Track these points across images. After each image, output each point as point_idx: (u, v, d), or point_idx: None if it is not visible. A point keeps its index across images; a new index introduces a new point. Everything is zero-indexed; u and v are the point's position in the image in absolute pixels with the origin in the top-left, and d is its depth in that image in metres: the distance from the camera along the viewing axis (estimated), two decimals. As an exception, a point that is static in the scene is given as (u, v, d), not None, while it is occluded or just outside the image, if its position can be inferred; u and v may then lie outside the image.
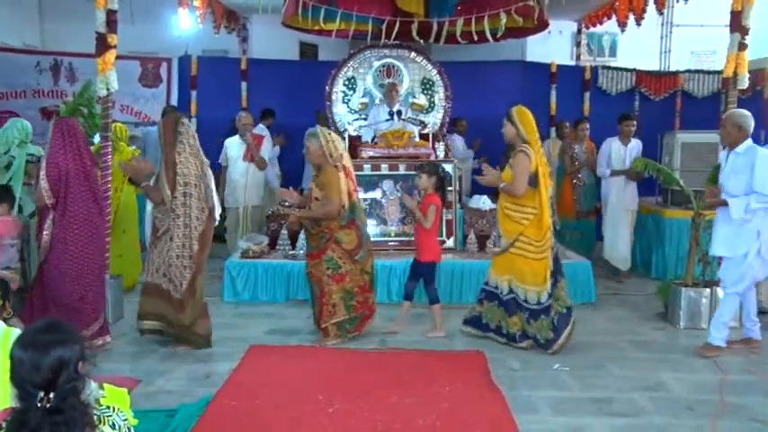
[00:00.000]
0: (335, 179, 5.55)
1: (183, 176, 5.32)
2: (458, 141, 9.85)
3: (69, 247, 5.19)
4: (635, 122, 8.31)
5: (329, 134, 5.79)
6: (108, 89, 6.26)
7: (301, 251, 7.24)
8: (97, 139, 6.63)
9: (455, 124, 9.92)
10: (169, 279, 5.37)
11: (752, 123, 5.55)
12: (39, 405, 2.13)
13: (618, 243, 8.08)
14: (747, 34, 6.33)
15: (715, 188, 5.78)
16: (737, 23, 6.34)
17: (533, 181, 5.50)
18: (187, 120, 5.59)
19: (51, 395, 2.14)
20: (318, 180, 5.65)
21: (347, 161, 5.78)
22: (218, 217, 5.70)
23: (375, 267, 6.03)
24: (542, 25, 9.67)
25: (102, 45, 6.19)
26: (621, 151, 8.14)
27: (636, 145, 8.19)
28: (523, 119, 5.65)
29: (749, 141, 5.51)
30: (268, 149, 8.78)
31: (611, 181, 8.13)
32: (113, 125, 7.62)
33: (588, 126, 8.81)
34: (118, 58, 6.36)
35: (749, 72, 6.46)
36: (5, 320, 3.82)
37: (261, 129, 9.23)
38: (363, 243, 5.74)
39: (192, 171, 5.38)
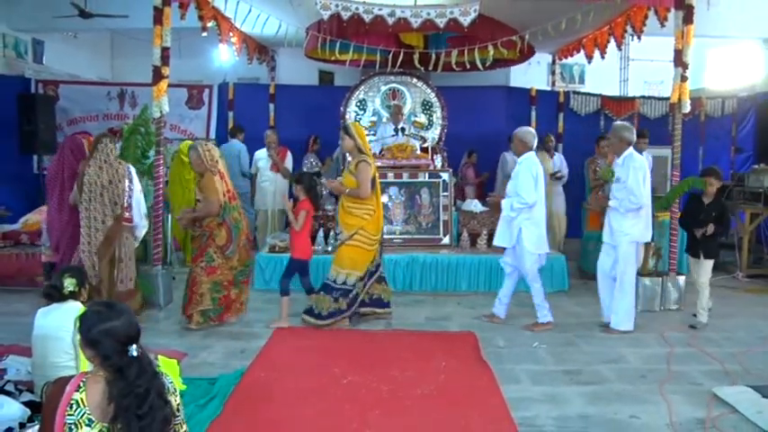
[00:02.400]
0: (212, 183, 5.38)
1: (88, 184, 5.22)
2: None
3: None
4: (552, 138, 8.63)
5: (206, 145, 5.59)
6: (161, 112, 6.31)
7: (319, 247, 7.27)
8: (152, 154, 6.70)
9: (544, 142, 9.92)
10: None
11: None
12: (135, 355, 2.21)
13: None
14: (687, 68, 6.38)
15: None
16: (680, 59, 6.39)
17: (372, 184, 5.56)
18: (108, 139, 5.45)
19: (140, 345, 2.25)
20: (200, 185, 5.52)
21: (222, 167, 5.56)
22: (142, 225, 5.62)
23: (250, 266, 5.82)
24: (527, 56, 9.68)
25: (157, 76, 6.25)
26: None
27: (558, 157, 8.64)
28: (359, 132, 5.65)
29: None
30: (290, 161, 8.80)
31: None
32: (181, 143, 7.81)
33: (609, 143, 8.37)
34: (169, 86, 6.41)
35: (690, 99, 6.49)
36: (83, 303, 3.85)
37: (233, 143, 9.18)
38: (233, 239, 5.51)
39: (98, 180, 5.23)
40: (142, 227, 5.69)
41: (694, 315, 5.86)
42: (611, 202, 5.62)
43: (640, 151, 7.85)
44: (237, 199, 5.68)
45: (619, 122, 5.83)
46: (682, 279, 6.45)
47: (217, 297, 5.52)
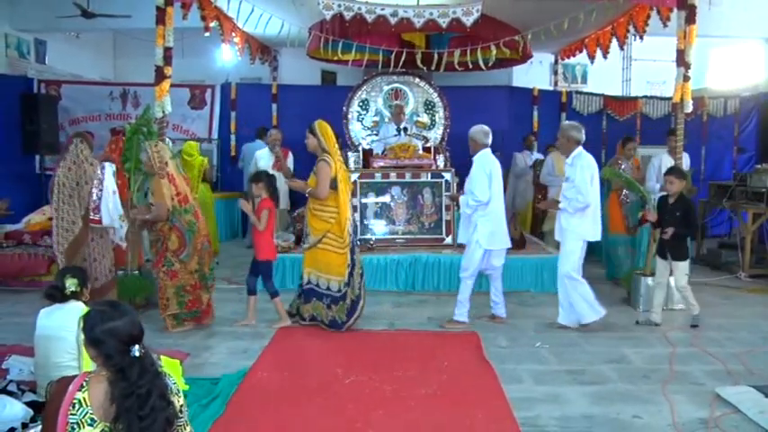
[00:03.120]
0: (159, 187, 5.30)
1: (58, 186, 5.23)
2: (527, 156, 9.89)
3: None
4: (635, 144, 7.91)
5: (156, 146, 5.45)
6: (163, 112, 6.32)
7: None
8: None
9: (526, 140, 10.03)
10: None
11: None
12: (138, 355, 2.21)
13: None
14: (690, 68, 6.36)
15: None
16: (682, 59, 6.38)
17: (334, 185, 5.38)
18: (79, 139, 5.38)
19: (142, 346, 2.25)
20: (150, 188, 5.51)
21: (172, 168, 5.44)
22: (117, 226, 5.48)
23: (212, 268, 5.68)
24: (526, 57, 9.68)
25: (160, 76, 6.25)
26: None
27: None
28: (324, 132, 5.49)
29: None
30: (292, 161, 8.79)
31: None
32: (185, 143, 7.82)
33: (635, 145, 7.84)
34: (172, 86, 6.41)
35: (692, 99, 6.48)
36: (85, 303, 3.85)
37: (259, 144, 9.29)
38: (187, 243, 5.39)
39: (66, 182, 5.23)
40: (118, 228, 5.53)
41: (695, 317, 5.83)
42: (561, 204, 5.64)
43: (630, 155, 7.80)
44: (192, 201, 5.53)
45: (567, 122, 5.85)
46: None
47: (183, 301, 5.45)
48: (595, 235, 5.65)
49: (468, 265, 5.70)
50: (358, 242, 7.38)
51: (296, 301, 5.77)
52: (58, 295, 3.79)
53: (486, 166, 5.63)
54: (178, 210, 5.38)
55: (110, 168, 5.50)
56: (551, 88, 12.20)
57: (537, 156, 9.58)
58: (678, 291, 5.88)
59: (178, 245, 5.40)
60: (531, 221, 9.43)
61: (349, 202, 5.53)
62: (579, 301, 5.59)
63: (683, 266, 5.76)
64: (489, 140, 5.77)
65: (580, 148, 5.60)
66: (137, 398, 2.15)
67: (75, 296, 3.81)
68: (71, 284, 3.80)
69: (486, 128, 5.81)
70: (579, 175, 5.48)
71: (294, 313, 5.73)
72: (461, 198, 5.77)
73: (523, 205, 9.70)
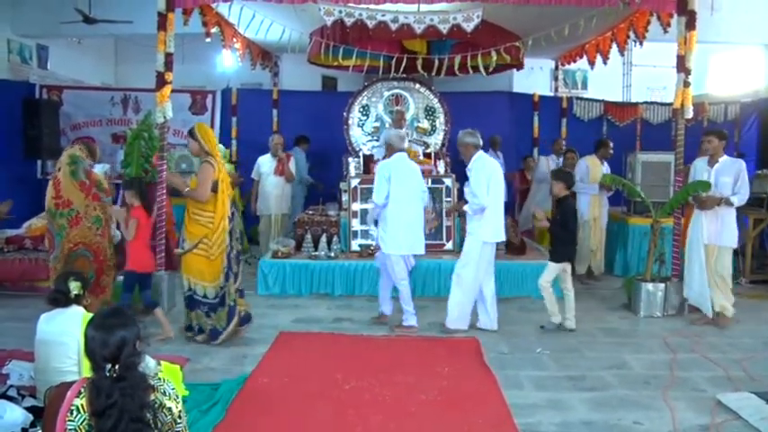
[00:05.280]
0: (48, 188, 5.57)
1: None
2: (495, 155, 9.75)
3: None
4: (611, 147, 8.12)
5: (66, 151, 5.73)
6: (164, 117, 6.32)
7: (323, 252, 7.27)
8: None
9: (492, 141, 9.85)
10: None
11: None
12: (107, 375, 2.21)
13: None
14: (690, 74, 6.37)
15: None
16: (682, 65, 6.39)
17: (215, 188, 5.18)
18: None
19: (117, 367, 2.22)
20: None
21: (60, 173, 5.55)
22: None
23: (88, 272, 5.47)
24: (522, 63, 9.68)
25: (161, 81, 6.25)
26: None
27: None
28: (204, 135, 5.27)
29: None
30: (294, 166, 8.81)
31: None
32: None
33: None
34: (172, 91, 6.41)
35: (692, 105, 6.49)
36: (85, 308, 3.85)
37: (296, 151, 9.31)
38: (55, 246, 5.52)
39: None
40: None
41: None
42: (465, 207, 5.74)
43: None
44: (76, 207, 5.56)
45: (461, 131, 5.89)
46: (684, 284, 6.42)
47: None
48: (496, 237, 5.70)
49: (392, 270, 5.78)
50: (359, 247, 7.44)
51: (185, 311, 5.48)
52: (62, 299, 3.78)
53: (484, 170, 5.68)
54: (52, 212, 5.54)
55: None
56: (552, 94, 12.20)
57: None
58: (540, 288, 5.86)
59: (49, 246, 5.66)
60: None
61: (228, 207, 5.26)
62: (456, 304, 5.69)
63: (551, 267, 5.79)
64: (480, 141, 5.84)
65: (480, 152, 5.74)
66: (107, 417, 2.15)
67: (77, 300, 3.81)
68: (75, 288, 3.80)
69: (469, 130, 5.85)
70: (474, 178, 5.58)
71: (189, 326, 5.44)
72: (466, 207, 5.77)
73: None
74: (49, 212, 5.53)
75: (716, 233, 5.98)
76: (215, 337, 5.24)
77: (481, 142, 5.76)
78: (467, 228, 5.79)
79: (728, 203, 5.90)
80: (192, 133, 5.28)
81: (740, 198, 5.91)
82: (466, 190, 5.72)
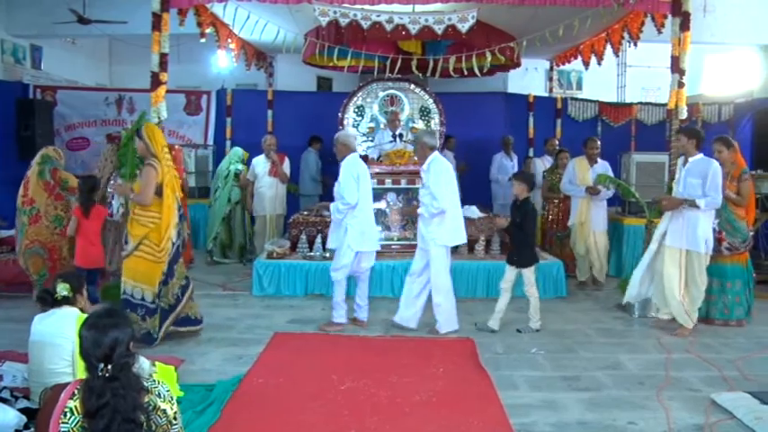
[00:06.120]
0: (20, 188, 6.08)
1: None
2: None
3: None
4: (598, 145, 7.67)
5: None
6: (159, 117, 6.31)
7: (318, 253, 7.26)
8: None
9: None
10: None
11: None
12: (100, 374, 2.21)
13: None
14: (684, 75, 6.40)
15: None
16: (677, 66, 6.42)
17: (159, 191, 5.06)
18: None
19: (109, 367, 2.22)
20: None
21: (30, 172, 6.04)
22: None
23: (41, 273, 6.07)
24: (517, 63, 9.70)
25: (156, 81, 6.26)
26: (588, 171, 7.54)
27: (602, 165, 7.57)
28: (152, 136, 5.13)
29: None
30: (288, 166, 8.80)
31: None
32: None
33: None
34: (167, 92, 6.42)
35: (687, 105, 6.51)
36: (81, 310, 3.84)
37: (308, 151, 9.36)
38: (18, 242, 5.96)
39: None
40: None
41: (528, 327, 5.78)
42: (419, 209, 5.71)
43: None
44: (38, 206, 6.01)
45: (421, 129, 5.93)
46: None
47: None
48: (455, 240, 5.69)
49: (337, 266, 5.73)
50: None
51: None
52: (48, 299, 3.79)
53: (353, 170, 5.66)
54: (19, 209, 6.00)
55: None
56: (546, 94, 12.23)
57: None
58: (528, 295, 5.78)
59: (16, 243, 6.11)
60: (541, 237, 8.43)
61: (175, 209, 5.17)
62: (441, 310, 5.65)
63: (526, 273, 5.71)
64: (356, 144, 5.87)
65: (435, 154, 5.69)
66: (100, 418, 2.15)
67: (67, 301, 3.80)
68: (62, 289, 3.78)
69: (352, 132, 5.85)
70: (434, 181, 5.52)
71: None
72: (332, 205, 5.78)
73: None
74: (17, 209, 5.89)
75: (679, 236, 5.62)
76: (150, 342, 5.07)
77: (438, 143, 5.70)
78: (422, 231, 5.66)
79: (693, 206, 5.51)
80: (139, 134, 5.17)
81: (708, 202, 5.47)
82: (422, 192, 5.68)
